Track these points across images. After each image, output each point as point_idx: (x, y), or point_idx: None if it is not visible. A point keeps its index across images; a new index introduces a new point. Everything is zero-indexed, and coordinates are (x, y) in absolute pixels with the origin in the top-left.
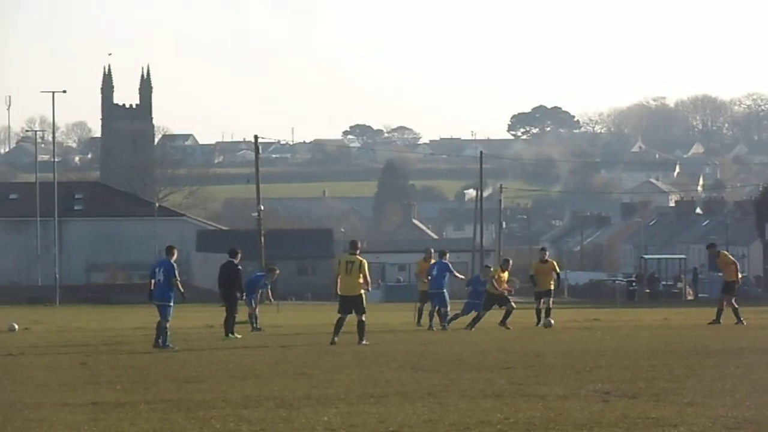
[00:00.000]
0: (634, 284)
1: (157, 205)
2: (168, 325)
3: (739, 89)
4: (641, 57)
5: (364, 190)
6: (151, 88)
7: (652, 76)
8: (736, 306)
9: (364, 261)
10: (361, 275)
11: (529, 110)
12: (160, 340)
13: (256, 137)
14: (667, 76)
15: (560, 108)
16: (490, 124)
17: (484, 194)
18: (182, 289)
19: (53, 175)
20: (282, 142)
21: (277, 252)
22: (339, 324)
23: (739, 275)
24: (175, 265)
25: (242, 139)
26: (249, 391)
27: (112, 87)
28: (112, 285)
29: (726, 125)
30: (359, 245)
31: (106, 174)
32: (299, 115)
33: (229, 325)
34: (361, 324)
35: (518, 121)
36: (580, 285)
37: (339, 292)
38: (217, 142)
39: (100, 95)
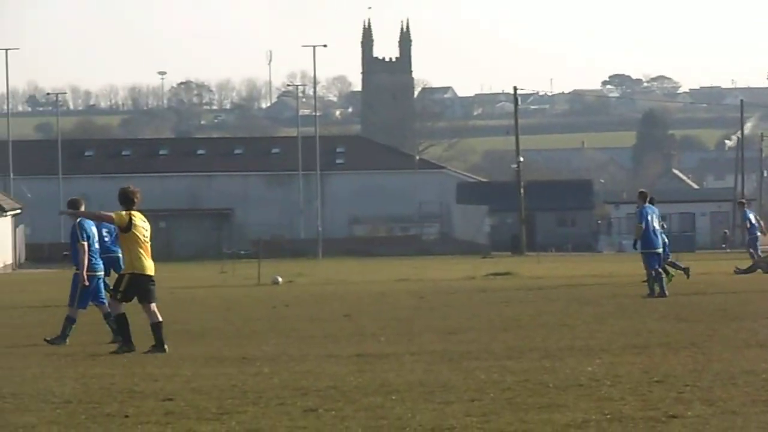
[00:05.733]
0: None
1: (417, 158)
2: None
3: None
4: None
5: (623, 140)
6: (411, 41)
7: None
8: None
9: None
10: None
11: None
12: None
13: (515, 89)
14: None
15: None
16: (751, 73)
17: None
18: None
19: (315, 129)
20: (540, 94)
21: (537, 203)
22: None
23: None
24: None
25: (501, 91)
26: (512, 342)
27: (372, 41)
28: (373, 238)
29: None
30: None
31: (366, 127)
32: (558, 66)
33: None
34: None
35: None
36: None
37: None
38: (476, 95)
39: (360, 49)
